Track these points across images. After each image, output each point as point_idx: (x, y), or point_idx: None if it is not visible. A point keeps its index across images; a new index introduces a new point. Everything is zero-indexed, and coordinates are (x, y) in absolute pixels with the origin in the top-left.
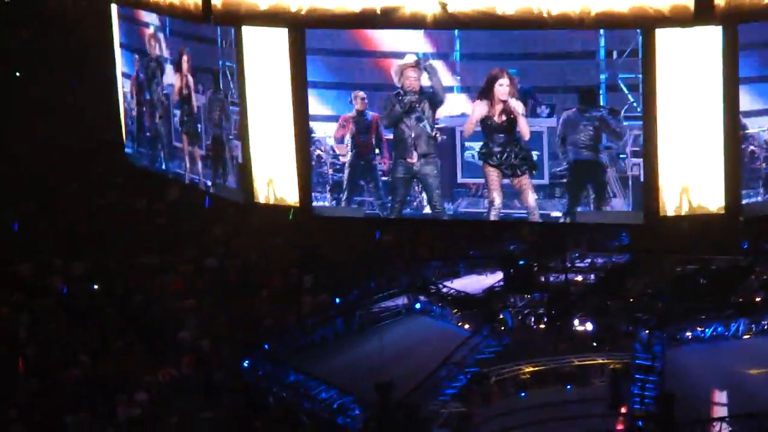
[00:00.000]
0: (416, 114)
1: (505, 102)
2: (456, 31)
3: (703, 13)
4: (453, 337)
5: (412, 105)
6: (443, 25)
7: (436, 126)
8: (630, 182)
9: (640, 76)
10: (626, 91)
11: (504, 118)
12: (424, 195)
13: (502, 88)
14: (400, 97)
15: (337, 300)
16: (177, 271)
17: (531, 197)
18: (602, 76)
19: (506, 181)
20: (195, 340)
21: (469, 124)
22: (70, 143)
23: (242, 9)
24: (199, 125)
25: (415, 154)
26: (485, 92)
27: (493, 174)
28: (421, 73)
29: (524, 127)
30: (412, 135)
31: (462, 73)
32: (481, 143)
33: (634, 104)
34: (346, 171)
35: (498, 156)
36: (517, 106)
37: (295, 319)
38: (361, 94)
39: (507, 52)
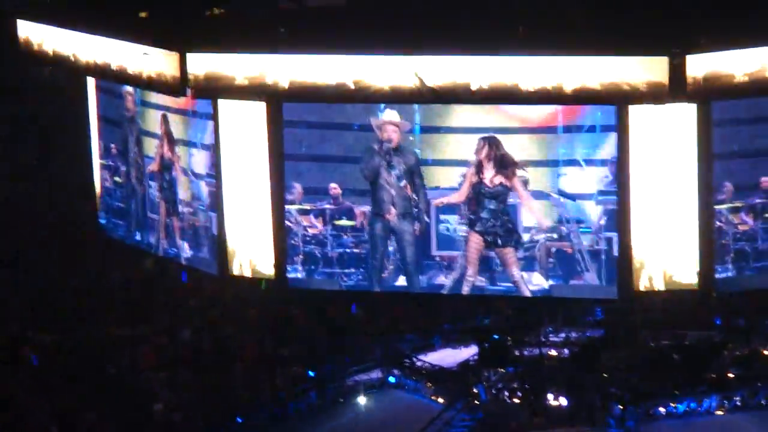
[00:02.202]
0: (395, 170)
1: (498, 169)
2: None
3: (677, 91)
4: (427, 411)
5: (390, 159)
6: (420, 99)
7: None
8: (602, 257)
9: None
10: (583, 166)
11: (497, 183)
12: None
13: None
14: (379, 149)
15: (311, 373)
16: (151, 343)
17: (516, 270)
18: (561, 151)
19: (489, 252)
20: (168, 412)
21: (462, 190)
22: (44, 212)
23: (220, 82)
24: (176, 195)
25: (393, 210)
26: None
27: (476, 241)
28: (401, 128)
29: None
30: (391, 192)
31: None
32: (464, 213)
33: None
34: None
35: (484, 223)
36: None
37: (269, 391)
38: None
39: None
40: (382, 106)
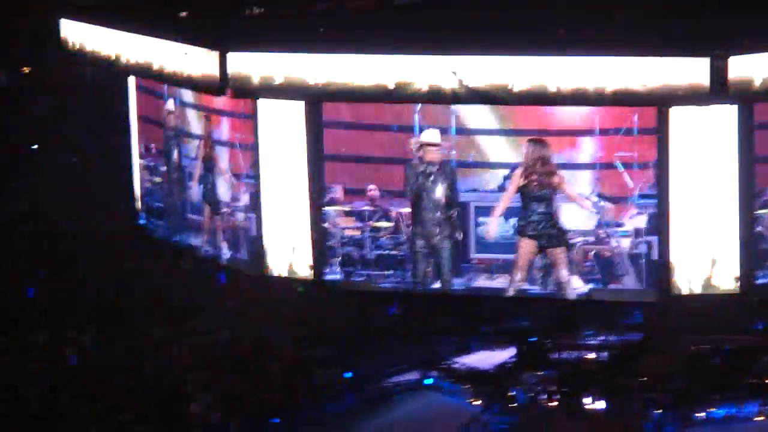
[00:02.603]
0: (438, 189)
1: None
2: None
3: (719, 92)
4: (464, 413)
5: (434, 179)
6: (460, 100)
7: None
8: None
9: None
10: (621, 168)
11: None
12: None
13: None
14: (421, 169)
15: (348, 374)
16: (189, 343)
17: (565, 271)
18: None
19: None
20: (205, 413)
21: (509, 194)
22: (85, 211)
23: (259, 82)
24: (217, 196)
25: (437, 229)
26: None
27: (527, 246)
28: (441, 148)
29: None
30: (435, 211)
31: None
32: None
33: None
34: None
35: (535, 226)
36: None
37: (306, 392)
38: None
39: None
40: (419, 124)
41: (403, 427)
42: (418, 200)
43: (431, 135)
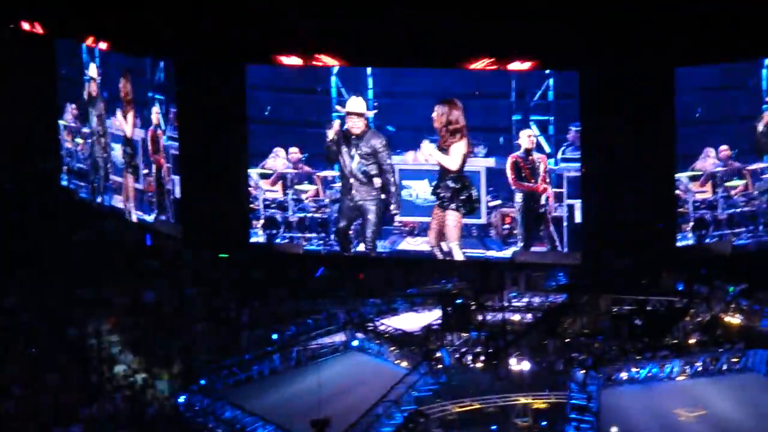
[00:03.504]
0: (358, 155)
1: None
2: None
3: None
4: (391, 375)
5: (355, 145)
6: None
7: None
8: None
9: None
10: (538, 132)
11: None
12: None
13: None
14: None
15: (275, 336)
16: (114, 305)
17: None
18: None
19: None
20: (130, 375)
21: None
22: (6, 172)
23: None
24: (138, 159)
25: (360, 193)
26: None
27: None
28: (366, 117)
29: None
30: (357, 174)
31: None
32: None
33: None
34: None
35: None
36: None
37: (233, 354)
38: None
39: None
40: (345, 94)
41: (330, 388)
42: (342, 166)
43: (355, 104)
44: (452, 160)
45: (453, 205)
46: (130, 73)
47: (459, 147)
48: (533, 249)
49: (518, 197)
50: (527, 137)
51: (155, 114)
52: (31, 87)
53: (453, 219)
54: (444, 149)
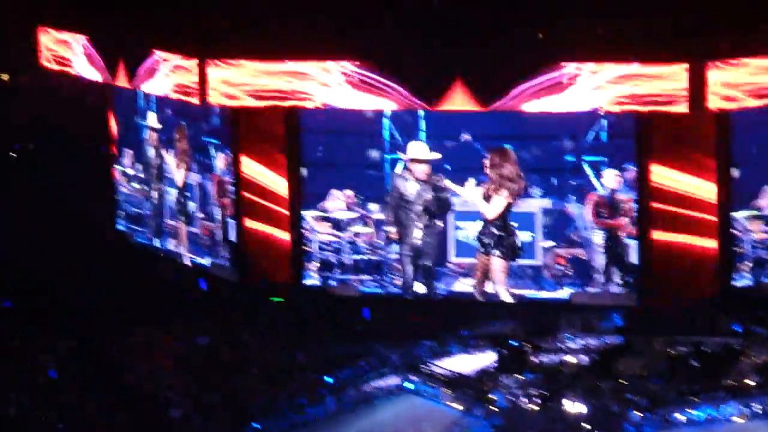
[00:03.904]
0: (422, 198)
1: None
2: None
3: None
4: (445, 418)
5: (419, 191)
6: None
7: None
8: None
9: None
10: (590, 173)
11: None
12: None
13: None
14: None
15: (329, 379)
16: (168, 349)
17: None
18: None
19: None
20: (186, 419)
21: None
22: (63, 217)
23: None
24: (191, 203)
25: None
26: None
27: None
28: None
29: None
30: (417, 223)
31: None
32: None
33: None
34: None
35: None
36: None
37: (286, 397)
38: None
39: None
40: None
41: (383, 431)
42: (403, 210)
43: (418, 150)
44: (490, 209)
45: (497, 252)
46: (185, 117)
47: (500, 200)
48: (588, 289)
49: (597, 237)
50: (613, 176)
51: (222, 160)
52: (87, 133)
53: (498, 265)
54: (488, 196)
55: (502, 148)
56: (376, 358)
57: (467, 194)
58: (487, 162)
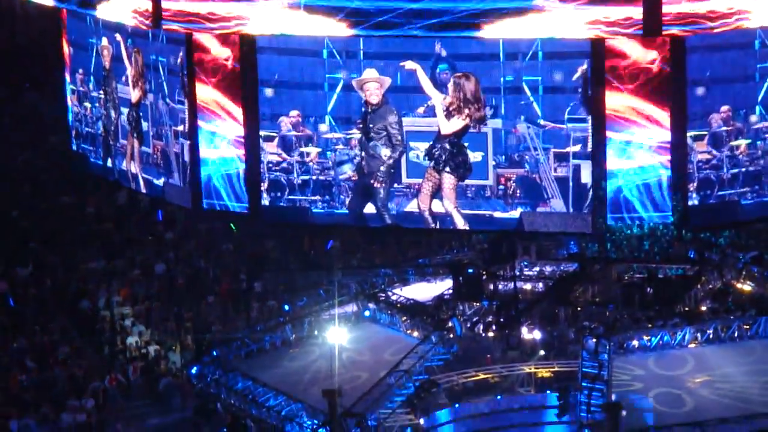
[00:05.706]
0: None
1: None
2: None
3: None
4: (402, 345)
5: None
6: None
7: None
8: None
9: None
10: (528, 93)
11: None
12: None
13: None
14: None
15: (286, 307)
16: (125, 277)
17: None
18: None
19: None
20: (143, 346)
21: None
22: (18, 142)
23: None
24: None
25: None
26: None
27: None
28: (382, 85)
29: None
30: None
31: None
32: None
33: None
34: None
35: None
36: None
37: (244, 325)
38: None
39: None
40: (362, 64)
41: (341, 359)
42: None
43: (371, 72)
44: (448, 125)
45: (448, 168)
46: (137, 39)
47: (459, 121)
48: (539, 209)
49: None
50: None
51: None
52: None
53: (449, 182)
54: (449, 114)
55: (466, 73)
56: (334, 286)
57: (433, 96)
58: (450, 84)
